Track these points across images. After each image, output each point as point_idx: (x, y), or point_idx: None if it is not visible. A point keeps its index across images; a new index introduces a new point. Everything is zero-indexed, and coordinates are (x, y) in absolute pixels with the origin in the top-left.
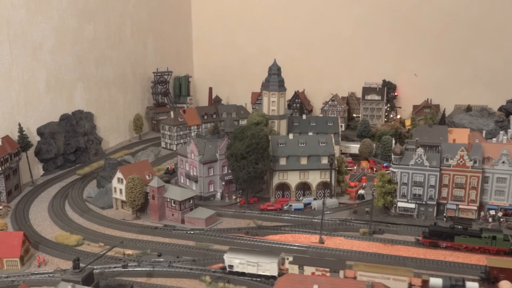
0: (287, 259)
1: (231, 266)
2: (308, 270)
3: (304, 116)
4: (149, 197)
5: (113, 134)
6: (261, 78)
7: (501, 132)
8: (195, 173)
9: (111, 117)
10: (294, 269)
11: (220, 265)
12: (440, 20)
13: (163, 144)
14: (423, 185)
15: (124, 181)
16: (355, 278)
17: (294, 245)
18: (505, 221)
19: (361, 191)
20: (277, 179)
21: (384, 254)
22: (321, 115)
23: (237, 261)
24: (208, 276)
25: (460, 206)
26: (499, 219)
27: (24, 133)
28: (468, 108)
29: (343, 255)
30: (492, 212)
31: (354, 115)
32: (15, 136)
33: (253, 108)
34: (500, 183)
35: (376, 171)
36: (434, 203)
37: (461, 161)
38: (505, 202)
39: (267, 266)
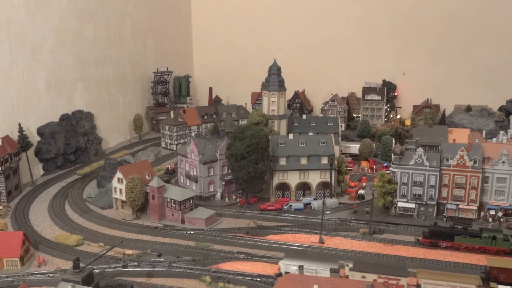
0: (347, 265)
1: (287, 273)
2: (370, 277)
3: (304, 116)
4: (149, 197)
5: (113, 134)
6: (261, 78)
7: (501, 132)
8: (195, 173)
9: (111, 117)
10: (354, 275)
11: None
12: (440, 20)
13: (163, 144)
14: (423, 185)
15: (124, 181)
16: (418, 285)
17: (294, 245)
18: (505, 221)
19: (361, 191)
20: (277, 179)
21: (384, 254)
22: (321, 115)
23: (294, 268)
24: (208, 276)
25: (460, 206)
26: (499, 219)
27: (24, 133)
28: (468, 108)
29: (343, 255)
30: (492, 212)
31: (354, 115)
32: (15, 136)
33: (253, 108)
34: (500, 183)
35: (376, 171)
36: (434, 203)
37: (461, 161)
38: (505, 202)
39: (326, 273)
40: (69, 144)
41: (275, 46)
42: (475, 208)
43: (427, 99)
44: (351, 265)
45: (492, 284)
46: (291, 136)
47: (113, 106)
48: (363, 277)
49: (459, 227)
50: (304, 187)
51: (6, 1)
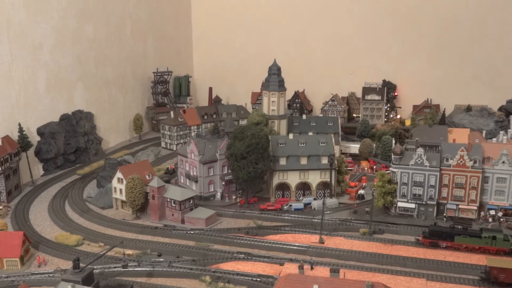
0: None
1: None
2: None
3: (304, 116)
4: (149, 197)
5: (113, 134)
6: (261, 78)
7: (501, 132)
8: (195, 173)
9: (111, 117)
10: None
11: None
12: (440, 20)
13: (163, 144)
14: (423, 185)
15: (124, 181)
16: None
17: (294, 245)
18: (505, 221)
19: (361, 191)
20: (277, 179)
21: (384, 254)
22: (321, 115)
23: None
24: (208, 276)
25: (460, 206)
26: (499, 219)
27: (24, 133)
28: (468, 108)
29: (343, 255)
30: (492, 212)
31: (354, 115)
32: (15, 136)
33: (253, 108)
34: (500, 183)
35: (376, 171)
36: (434, 203)
37: (461, 161)
38: (505, 202)
39: None
40: (69, 144)
41: (275, 46)
42: (475, 208)
43: (427, 99)
44: None
45: None
46: (291, 136)
47: (113, 106)
48: None
49: (459, 227)
50: (304, 187)
51: (6, 1)
